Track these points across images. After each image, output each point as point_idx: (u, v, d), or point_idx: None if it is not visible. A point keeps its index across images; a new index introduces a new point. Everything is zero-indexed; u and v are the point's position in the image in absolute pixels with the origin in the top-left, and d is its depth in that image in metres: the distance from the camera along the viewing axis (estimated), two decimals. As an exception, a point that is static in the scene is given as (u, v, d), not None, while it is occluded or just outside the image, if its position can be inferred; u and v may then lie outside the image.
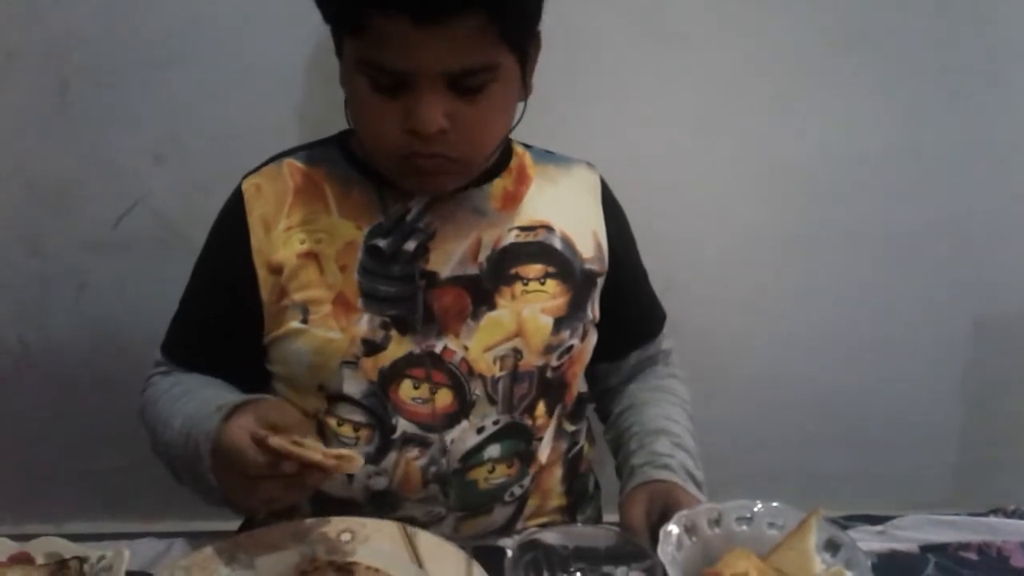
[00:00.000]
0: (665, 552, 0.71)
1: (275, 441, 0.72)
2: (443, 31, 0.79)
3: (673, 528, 0.73)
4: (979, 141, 1.42)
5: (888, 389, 1.53)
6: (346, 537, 0.79)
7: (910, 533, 0.88)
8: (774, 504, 0.76)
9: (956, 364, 1.54)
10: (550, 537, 0.72)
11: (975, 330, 1.52)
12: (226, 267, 0.96)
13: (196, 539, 0.88)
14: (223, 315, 0.96)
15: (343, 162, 0.98)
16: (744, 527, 0.76)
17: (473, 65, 0.83)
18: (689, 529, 0.74)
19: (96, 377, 1.39)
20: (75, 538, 0.80)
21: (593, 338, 1.02)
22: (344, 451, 0.74)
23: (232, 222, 0.96)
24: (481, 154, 0.91)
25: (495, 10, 0.80)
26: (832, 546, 0.72)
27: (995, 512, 0.93)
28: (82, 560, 0.75)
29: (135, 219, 1.34)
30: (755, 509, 0.76)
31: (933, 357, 1.53)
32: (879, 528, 0.90)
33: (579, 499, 1.07)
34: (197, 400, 0.89)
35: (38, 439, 1.44)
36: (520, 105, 0.94)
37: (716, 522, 0.76)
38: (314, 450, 0.73)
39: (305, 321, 0.91)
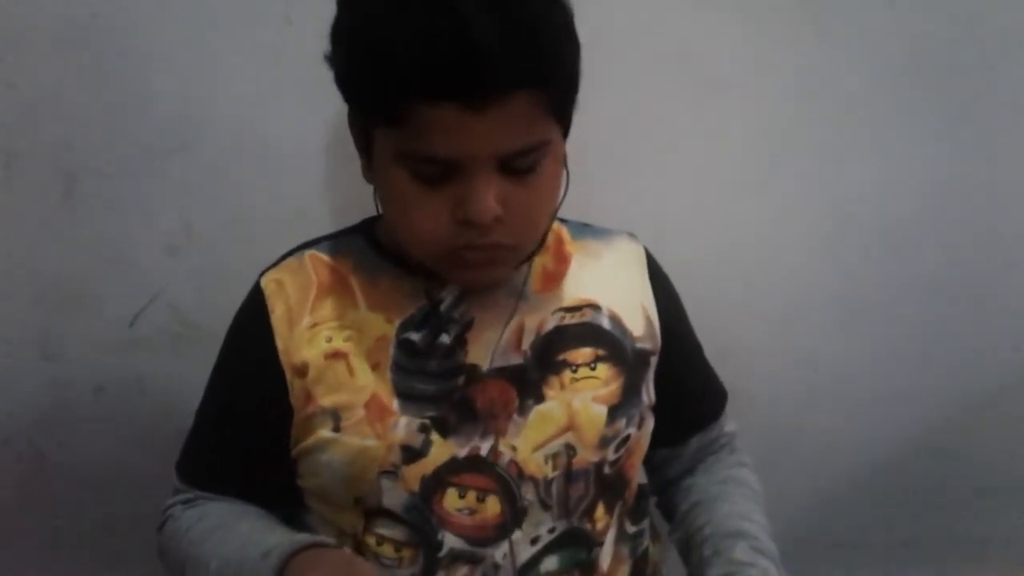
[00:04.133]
0: None
1: None
2: (495, 113, 0.72)
3: None
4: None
5: (966, 447, 1.42)
6: None
7: None
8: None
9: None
10: None
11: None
12: (249, 373, 0.89)
13: None
14: (248, 427, 0.88)
15: (370, 252, 0.90)
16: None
17: (527, 144, 0.76)
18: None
19: (119, 481, 1.31)
20: None
21: (650, 424, 0.93)
22: None
23: (253, 323, 0.88)
24: (535, 236, 0.84)
25: (545, 84, 0.74)
26: None
27: None
28: None
29: (151, 315, 1.27)
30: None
31: (1014, 412, 1.42)
32: None
33: None
34: (234, 538, 0.83)
35: (63, 544, 1.36)
36: (563, 178, 0.86)
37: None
38: None
39: (337, 429, 0.83)
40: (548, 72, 0.75)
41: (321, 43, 0.81)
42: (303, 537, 0.80)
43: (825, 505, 1.42)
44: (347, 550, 0.84)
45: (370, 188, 0.86)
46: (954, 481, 1.44)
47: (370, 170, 0.84)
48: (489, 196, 0.75)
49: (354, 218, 0.97)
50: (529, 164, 0.77)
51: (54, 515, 1.36)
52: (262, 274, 0.92)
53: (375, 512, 0.84)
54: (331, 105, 0.84)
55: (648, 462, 1.00)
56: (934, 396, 1.40)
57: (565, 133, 0.84)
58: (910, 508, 1.44)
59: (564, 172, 0.85)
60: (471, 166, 0.75)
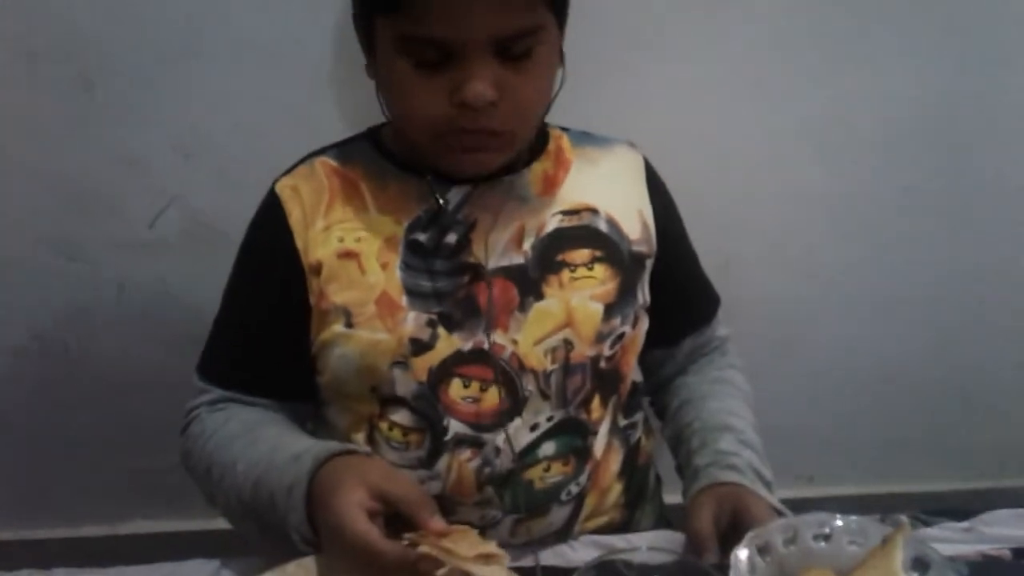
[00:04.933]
0: (738, 577, 0.66)
1: (427, 549, 0.70)
2: None
3: (743, 552, 0.68)
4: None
5: (956, 352, 1.48)
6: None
7: (999, 530, 0.83)
8: (854, 518, 0.71)
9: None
10: (618, 563, 0.69)
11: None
12: (271, 272, 0.92)
13: (246, 559, 0.85)
14: (271, 323, 0.92)
15: (377, 157, 0.93)
16: (822, 544, 0.71)
17: (521, 27, 0.78)
18: (762, 549, 0.70)
19: (142, 376, 1.39)
20: (137, 540, 0.80)
21: (645, 324, 0.97)
22: (493, 550, 0.71)
23: (271, 225, 0.92)
24: (527, 125, 0.87)
25: None
26: (921, 565, 0.66)
27: None
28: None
29: (170, 218, 1.32)
30: (835, 524, 0.71)
31: (1002, 318, 1.47)
32: (965, 525, 0.84)
33: (639, 495, 1.03)
34: (261, 442, 0.87)
35: (89, 441, 1.45)
36: (559, 75, 0.88)
37: (791, 540, 0.71)
38: (464, 558, 0.70)
39: (350, 324, 0.87)
40: None
41: None
42: (334, 444, 0.83)
43: (821, 406, 1.49)
44: (378, 458, 0.89)
45: (372, 94, 0.88)
46: (943, 388, 1.50)
47: (373, 66, 0.87)
48: (485, 79, 0.78)
49: (358, 121, 1.00)
50: (524, 50, 0.80)
51: (80, 410, 1.44)
52: (276, 181, 0.95)
53: (389, 400, 0.90)
54: (332, 12, 0.86)
55: (643, 362, 1.05)
56: (928, 304, 1.45)
57: (561, 25, 0.86)
58: (901, 411, 1.51)
59: (560, 66, 0.88)
60: (468, 50, 0.77)
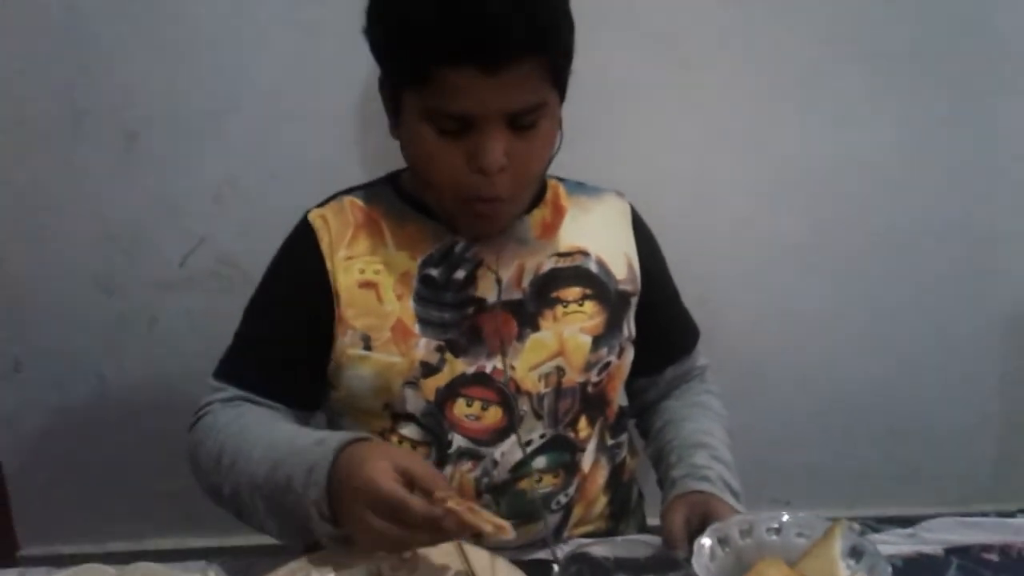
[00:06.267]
0: (699, 563, 0.76)
1: (454, 505, 0.75)
2: (504, 76, 0.86)
3: (706, 540, 0.78)
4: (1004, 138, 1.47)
5: (921, 388, 1.57)
6: (408, 555, 0.84)
7: (938, 535, 0.91)
8: (801, 515, 0.81)
9: (989, 361, 1.58)
10: (594, 550, 0.77)
11: (1006, 326, 1.55)
12: (302, 288, 1.00)
13: (269, 555, 0.91)
14: (296, 335, 1.00)
15: (396, 200, 1.04)
16: (774, 537, 0.80)
17: (530, 104, 0.90)
18: (722, 540, 0.79)
19: (169, 404, 1.45)
20: (158, 555, 0.85)
21: (630, 355, 1.08)
22: (501, 521, 0.77)
23: (304, 247, 1.02)
24: (531, 187, 0.99)
25: (546, 52, 0.89)
26: (856, 553, 0.76)
27: (1022, 512, 0.96)
28: (173, 583, 0.81)
29: (199, 257, 1.43)
30: (784, 519, 0.80)
31: (965, 355, 1.57)
32: (910, 531, 0.93)
33: (622, 508, 1.12)
34: (279, 432, 0.92)
35: (119, 464, 1.54)
36: (558, 137, 1.00)
37: (747, 533, 0.80)
38: (487, 520, 0.75)
39: (368, 348, 0.97)
40: (549, 42, 0.90)
41: (351, 20, 0.94)
42: (357, 432, 0.88)
43: (792, 435, 1.58)
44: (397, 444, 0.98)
45: (392, 147, 1.00)
46: (904, 420, 1.59)
47: (397, 128, 0.98)
48: (498, 147, 0.89)
49: (378, 172, 1.10)
50: (531, 122, 0.92)
51: (111, 434, 1.53)
52: (307, 212, 1.05)
53: (400, 416, 1.00)
54: (359, 75, 0.95)
55: (629, 388, 1.16)
56: (892, 338, 1.55)
57: (561, 98, 0.98)
58: (866, 441, 1.60)
59: (559, 132, 0.99)
60: (484, 121, 0.89)
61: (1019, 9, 1.40)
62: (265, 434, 0.92)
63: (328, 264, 1.00)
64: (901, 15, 1.39)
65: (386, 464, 0.78)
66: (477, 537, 0.82)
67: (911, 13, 1.40)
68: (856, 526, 0.81)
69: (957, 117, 1.45)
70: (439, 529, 0.76)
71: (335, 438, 0.85)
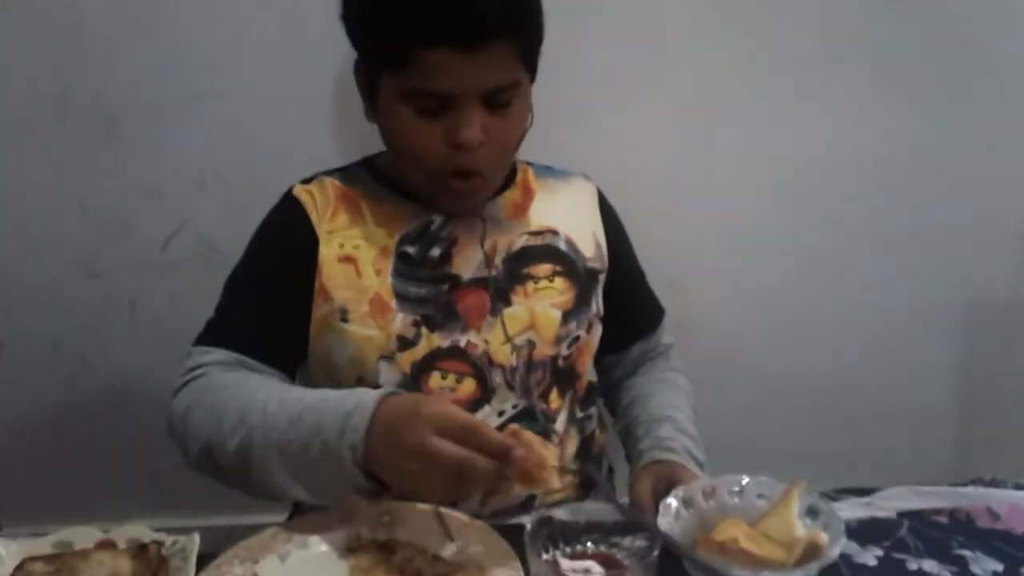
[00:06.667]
0: (665, 522, 0.80)
1: (531, 437, 0.78)
2: (480, 55, 0.91)
3: (672, 501, 0.82)
4: (967, 141, 1.50)
5: (885, 375, 1.62)
6: (386, 519, 0.87)
7: (893, 503, 0.95)
8: (762, 478, 0.85)
9: (949, 350, 1.63)
10: (563, 514, 0.80)
11: (965, 317, 1.60)
12: (288, 258, 1.02)
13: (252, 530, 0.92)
14: (283, 303, 1.01)
15: (373, 181, 1.08)
16: (735, 499, 0.84)
17: (504, 82, 0.95)
18: (686, 502, 0.83)
19: (150, 385, 1.49)
20: None
21: (598, 330, 1.12)
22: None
23: (291, 217, 1.04)
24: (506, 163, 1.04)
25: (519, 34, 0.94)
26: (812, 512, 0.80)
27: (975, 482, 0.99)
28: (159, 544, 0.84)
29: (181, 241, 1.45)
30: (744, 483, 0.85)
31: (927, 345, 1.62)
32: (866, 500, 0.96)
33: (592, 479, 1.16)
34: (297, 390, 0.91)
35: (101, 445, 1.56)
36: (528, 118, 1.04)
37: (710, 495, 0.84)
38: (552, 467, 0.78)
39: (345, 320, 1.01)
40: (522, 23, 0.95)
41: (331, 6, 0.97)
42: (390, 389, 0.86)
43: (759, 418, 1.62)
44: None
45: (370, 133, 1.03)
46: (864, 404, 1.64)
47: (374, 112, 1.02)
48: (476, 124, 0.94)
49: (355, 157, 1.13)
50: (506, 100, 0.96)
51: (93, 415, 1.55)
52: (291, 188, 1.07)
53: (374, 388, 0.98)
54: (334, 62, 0.97)
55: (598, 365, 1.20)
56: (857, 329, 1.59)
57: (532, 78, 1.02)
58: (837, 421, 1.64)
59: (530, 112, 1.03)
60: (461, 100, 0.93)
61: (1017, 9, 1.44)
62: (276, 391, 0.90)
63: (317, 233, 1.03)
64: (886, 12, 1.43)
65: (435, 413, 0.78)
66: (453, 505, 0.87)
67: (900, 11, 1.43)
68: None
69: (941, 115, 1.49)
70: (507, 458, 0.75)
71: (370, 391, 0.84)
